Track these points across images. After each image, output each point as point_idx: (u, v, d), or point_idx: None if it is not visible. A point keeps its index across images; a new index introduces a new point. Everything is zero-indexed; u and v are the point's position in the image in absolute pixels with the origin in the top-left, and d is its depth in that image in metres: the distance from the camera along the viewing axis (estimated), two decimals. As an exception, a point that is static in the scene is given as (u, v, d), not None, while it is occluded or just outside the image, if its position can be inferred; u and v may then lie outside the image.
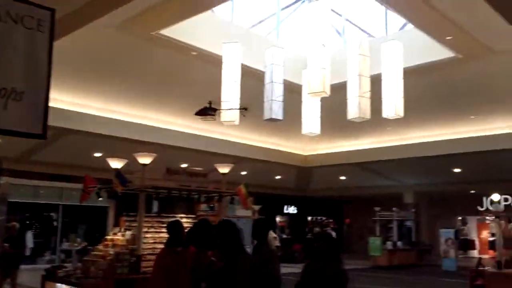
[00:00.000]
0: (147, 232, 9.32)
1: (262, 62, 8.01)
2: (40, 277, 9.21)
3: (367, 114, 6.89)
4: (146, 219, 9.45)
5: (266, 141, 18.19)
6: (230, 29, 11.72)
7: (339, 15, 14.49)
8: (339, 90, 7.31)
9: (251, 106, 8.65)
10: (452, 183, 20.76)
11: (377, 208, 23.03)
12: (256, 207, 15.89)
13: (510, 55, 10.44)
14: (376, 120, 7.56)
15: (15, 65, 2.77)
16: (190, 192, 10.37)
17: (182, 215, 12.39)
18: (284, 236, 25.07)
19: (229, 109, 7.28)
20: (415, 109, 11.81)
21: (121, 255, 8.47)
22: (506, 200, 17.45)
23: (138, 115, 14.25)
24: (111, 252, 8.63)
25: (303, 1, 14.69)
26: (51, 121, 3.16)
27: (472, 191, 21.05)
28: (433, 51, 10.81)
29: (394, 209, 23.04)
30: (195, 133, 15.72)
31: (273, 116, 7.28)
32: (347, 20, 14.54)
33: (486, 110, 14.09)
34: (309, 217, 28.02)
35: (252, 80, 9.40)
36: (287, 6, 14.75)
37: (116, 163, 10.36)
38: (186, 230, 5.54)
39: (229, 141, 16.71)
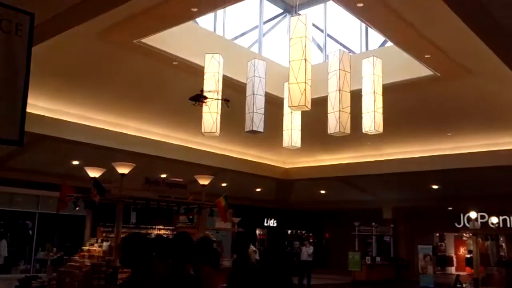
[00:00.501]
0: (124, 243, 9.19)
1: (244, 74, 8.03)
2: (13, 287, 9.03)
3: (347, 129, 6.94)
4: (124, 230, 9.35)
5: (247, 153, 18.20)
6: (212, 40, 11.76)
7: (321, 30, 14.68)
8: (320, 104, 7.36)
9: (232, 118, 8.66)
10: (430, 199, 20.94)
11: (356, 223, 23.12)
12: (236, 220, 15.83)
13: (487, 77, 10.67)
14: (356, 135, 7.63)
15: (-8, 69, 2.72)
16: (169, 203, 10.30)
17: (161, 227, 12.33)
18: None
19: (215, 99, 7.30)
20: (395, 125, 11.94)
21: (98, 267, 8.37)
22: (483, 217, 17.71)
23: (118, 124, 14.11)
24: (87, 263, 8.52)
25: (285, 15, 14.84)
26: (28, 127, 3.12)
27: (450, 208, 21.30)
28: (412, 69, 10.97)
29: (373, 224, 23.17)
30: (176, 143, 15.65)
31: (254, 128, 7.30)
32: (328, 35, 14.74)
33: (463, 128, 14.31)
34: (289, 231, 27.98)
35: (234, 91, 9.42)
36: (270, 20, 14.88)
37: (94, 172, 10.26)
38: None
39: (210, 152, 16.66)
